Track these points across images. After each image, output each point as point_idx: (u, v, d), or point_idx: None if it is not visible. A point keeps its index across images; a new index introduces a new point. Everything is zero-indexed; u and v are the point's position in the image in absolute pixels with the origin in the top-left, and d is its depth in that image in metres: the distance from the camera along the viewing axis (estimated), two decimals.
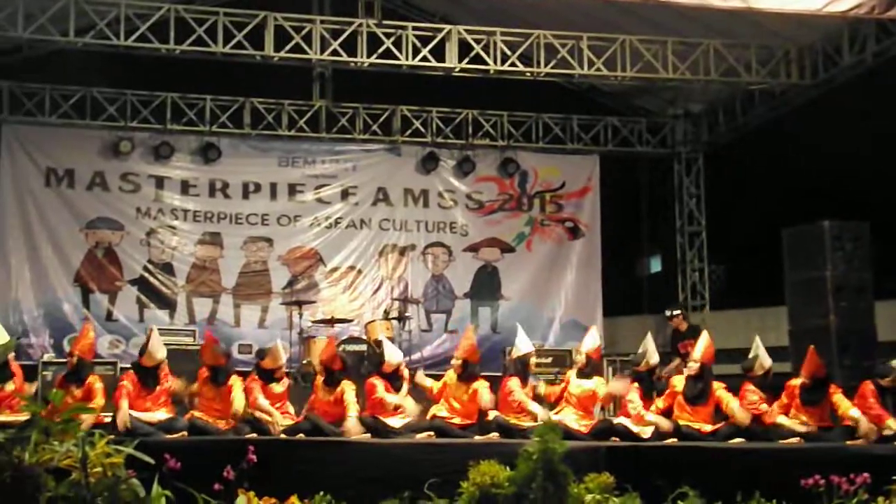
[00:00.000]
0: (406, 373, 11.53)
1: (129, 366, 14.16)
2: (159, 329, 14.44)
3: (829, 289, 14.20)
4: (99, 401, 10.58)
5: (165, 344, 11.77)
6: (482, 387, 11.23)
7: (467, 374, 11.39)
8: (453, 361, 11.54)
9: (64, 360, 13.28)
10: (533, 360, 11.67)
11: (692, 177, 19.03)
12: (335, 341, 11.94)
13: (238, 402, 10.46)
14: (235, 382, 10.69)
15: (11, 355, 10.60)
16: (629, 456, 9.72)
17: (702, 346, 11.40)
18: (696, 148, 19.03)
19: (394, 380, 11.32)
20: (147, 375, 10.67)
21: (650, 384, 11.33)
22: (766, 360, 11.41)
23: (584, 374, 11.40)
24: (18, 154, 16.83)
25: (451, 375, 11.46)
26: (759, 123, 17.59)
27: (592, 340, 11.72)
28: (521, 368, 11.58)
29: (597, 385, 11.48)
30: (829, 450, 10.30)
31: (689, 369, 11.44)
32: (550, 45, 15.65)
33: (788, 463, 9.69)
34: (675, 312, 14.72)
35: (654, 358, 11.37)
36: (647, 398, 11.12)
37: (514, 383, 11.36)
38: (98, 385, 10.72)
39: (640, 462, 9.54)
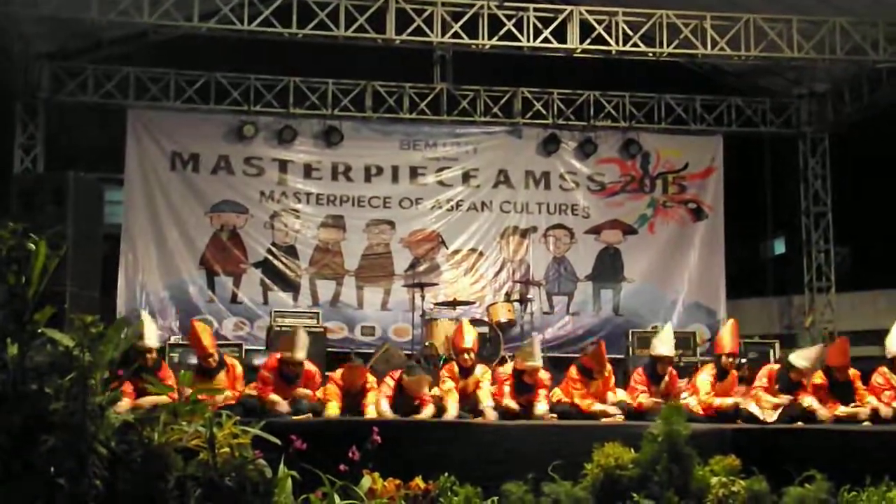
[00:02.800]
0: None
1: (253, 348, 14.44)
2: (283, 311, 14.66)
3: None
4: (240, 385, 10.79)
5: (289, 326, 11.92)
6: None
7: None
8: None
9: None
10: (663, 365, 11.51)
11: (817, 157, 18.67)
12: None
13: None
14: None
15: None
16: (755, 439, 9.62)
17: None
18: (821, 128, 18.63)
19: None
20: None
21: None
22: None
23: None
24: (144, 139, 17.09)
25: (575, 371, 11.47)
26: (887, 103, 17.07)
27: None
28: (652, 366, 11.53)
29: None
30: None
31: None
32: (673, 25, 15.42)
33: None
34: None
35: None
36: None
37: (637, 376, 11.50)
38: (239, 371, 10.94)
39: (766, 445, 9.44)
